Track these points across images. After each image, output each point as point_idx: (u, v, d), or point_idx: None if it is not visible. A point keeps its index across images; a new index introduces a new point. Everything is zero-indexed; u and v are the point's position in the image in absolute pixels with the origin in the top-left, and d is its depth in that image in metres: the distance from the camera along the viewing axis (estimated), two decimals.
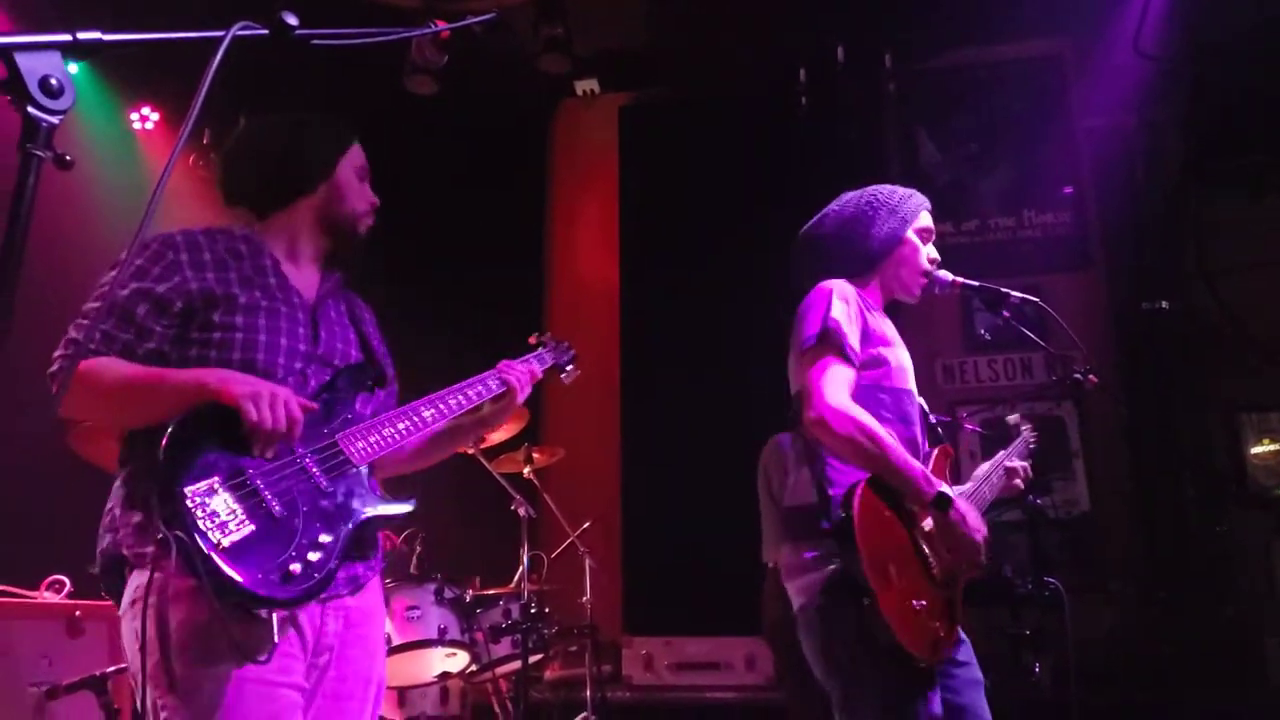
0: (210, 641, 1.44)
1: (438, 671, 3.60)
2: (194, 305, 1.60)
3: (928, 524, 1.92)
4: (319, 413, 1.63)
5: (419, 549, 3.89)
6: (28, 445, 3.18)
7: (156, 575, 1.46)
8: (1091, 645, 4.16)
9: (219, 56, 1.09)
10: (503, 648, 3.70)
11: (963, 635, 1.98)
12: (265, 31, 1.16)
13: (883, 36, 5.36)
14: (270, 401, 1.49)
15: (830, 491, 1.90)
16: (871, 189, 2.20)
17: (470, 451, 3.96)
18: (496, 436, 4.13)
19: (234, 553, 1.41)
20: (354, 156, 1.84)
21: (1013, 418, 2.59)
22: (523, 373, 1.96)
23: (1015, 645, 3.45)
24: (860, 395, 1.93)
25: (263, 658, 1.46)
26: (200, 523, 1.39)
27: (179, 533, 1.37)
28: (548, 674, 4.66)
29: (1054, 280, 5.11)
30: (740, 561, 3.68)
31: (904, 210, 2.15)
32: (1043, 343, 2.46)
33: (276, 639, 1.49)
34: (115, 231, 4.40)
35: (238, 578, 1.40)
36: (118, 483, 1.59)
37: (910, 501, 1.89)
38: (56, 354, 1.56)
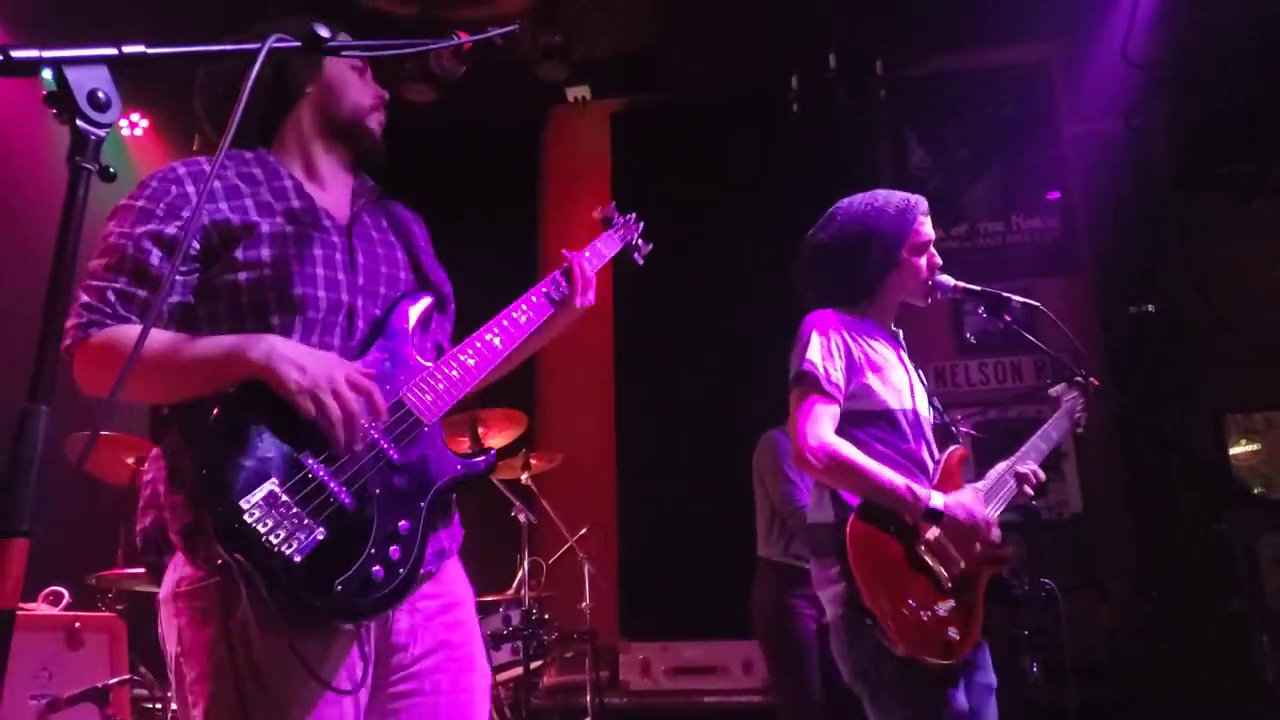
0: (277, 670, 1.26)
1: None
2: (212, 243, 1.40)
3: (931, 534, 1.97)
4: (378, 365, 1.43)
5: None
6: None
7: (222, 577, 1.27)
8: (1087, 645, 4.21)
9: (257, 68, 1.10)
10: (503, 654, 3.70)
11: (983, 641, 2.05)
12: (299, 44, 1.18)
13: (874, 43, 5.40)
14: (330, 387, 1.28)
15: (837, 516, 2.01)
16: (866, 205, 2.25)
17: None
18: (494, 442, 4.15)
19: (307, 569, 1.22)
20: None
21: (1056, 389, 2.50)
22: (584, 271, 1.76)
23: (1013, 645, 3.49)
24: (849, 423, 2.06)
25: (351, 686, 1.31)
26: (264, 539, 1.20)
27: (239, 557, 1.19)
28: (544, 680, 4.66)
29: (1042, 284, 5.16)
30: (736, 565, 3.69)
31: (897, 230, 2.20)
32: (1044, 346, 2.49)
33: (366, 655, 1.34)
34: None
35: (315, 598, 1.22)
36: (156, 455, 1.41)
37: (907, 517, 1.97)
38: (69, 323, 1.34)
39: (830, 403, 2.04)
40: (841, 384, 2.06)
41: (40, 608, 2.88)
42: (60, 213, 0.89)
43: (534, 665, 3.76)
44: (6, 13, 4.22)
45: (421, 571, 1.37)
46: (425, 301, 1.55)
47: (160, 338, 1.34)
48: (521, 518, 3.97)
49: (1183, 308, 5.05)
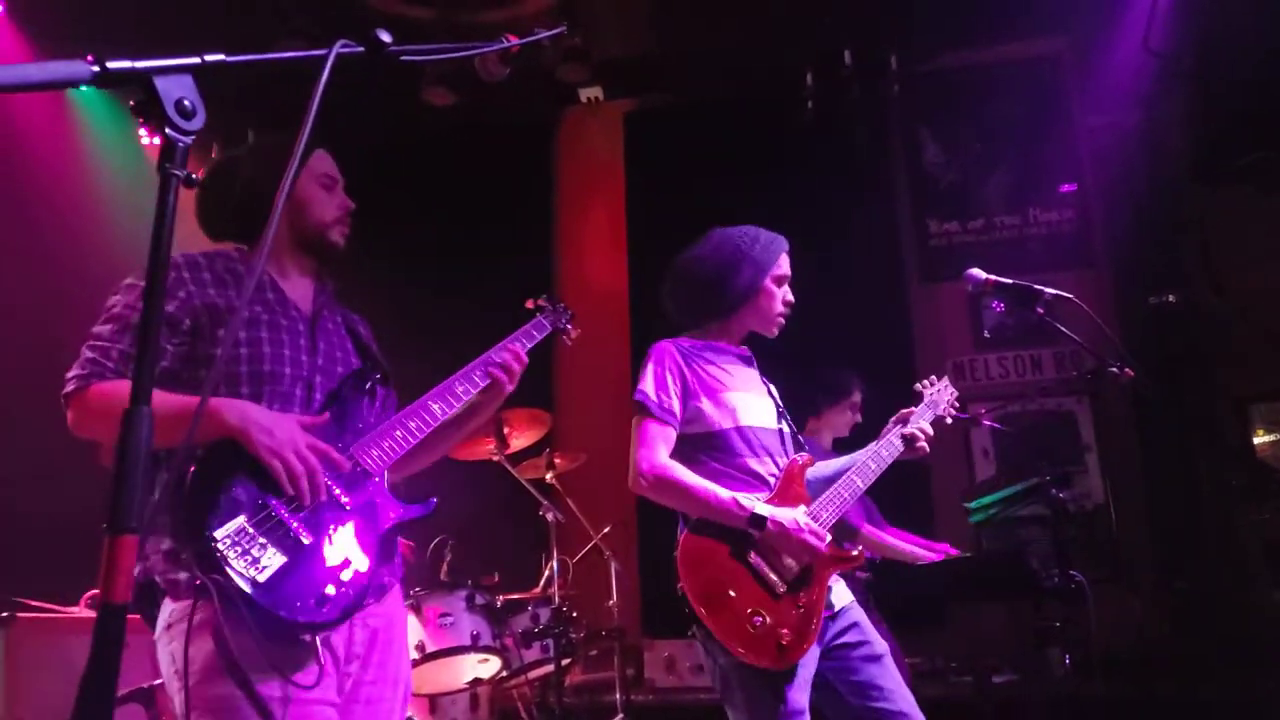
0: (254, 666, 1.47)
1: (469, 678, 3.62)
2: (200, 321, 1.64)
3: (764, 542, 2.07)
4: (331, 426, 1.66)
5: (449, 556, 3.91)
6: (62, 462, 3.18)
7: (196, 602, 1.48)
8: (1115, 637, 4.21)
9: (326, 74, 1.12)
10: (532, 653, 3.72)
11: (855, 619, 2.15)
12: (362, 49, 1.20)
13: (888, 39, 5.41)
14: (293, 449, 1.52)
15: None
16: (738, 235, 2.38)
17: (496, 458, 3.98)
18: (519, 442, 4.17)
19: (270, 587, 1.45)
20: (315, 168, 1.84)
21: (922, 384, 2.52)
22: (508, 362, 1.93)
23: (1041, 637, 3.49)
24: (686, 445, 2.20)
25: (310, 683, 1.50)
26: (234, 563, 1.43)
27: (216, 577, 1.42)
28: (569, 679, 4.67)
29: (1059, 277, 5.13)
30: None
31: (765, 260, 2.34)
32: (1078, 338, 2.50)
33: (321, 660, 1.54)
34: (127, 242, 4.45)
35: (278, 611, 1.45)
36: None
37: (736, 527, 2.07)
38: (71, 374, 1.58)
39: (663, 426, 2.18)
40: (676, 410, 2.20)
41: (84, 611, 2.91)
42: (153, 219, 0.91)
43: (563, 663, 3.78)
44: (23, 18, 4.27)
45: (367, 599, 1.61)
46: (373, 377, 1.82)
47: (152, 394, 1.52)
48: (549, 517, 3.99)
49: (1201, 298, 5.03)
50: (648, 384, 2.22)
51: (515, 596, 3.94)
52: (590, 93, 6.25)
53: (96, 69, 0.87)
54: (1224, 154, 4.80)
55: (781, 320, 2.40)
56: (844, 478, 2.25)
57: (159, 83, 0.93)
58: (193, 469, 1.49)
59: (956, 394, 2.54)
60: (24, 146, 4.39)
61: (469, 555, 4.06)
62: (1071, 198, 5.68)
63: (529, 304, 2.25)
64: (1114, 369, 2.45)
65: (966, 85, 5.86)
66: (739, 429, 2.21)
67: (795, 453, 2.30)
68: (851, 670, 2.09)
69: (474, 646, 3.45)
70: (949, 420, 2.49)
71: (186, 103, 0.95)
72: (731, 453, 2.19)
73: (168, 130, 0.93)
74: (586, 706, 4.55)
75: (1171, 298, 4.86)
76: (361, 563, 1.58)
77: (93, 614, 2.82)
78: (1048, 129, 5.71)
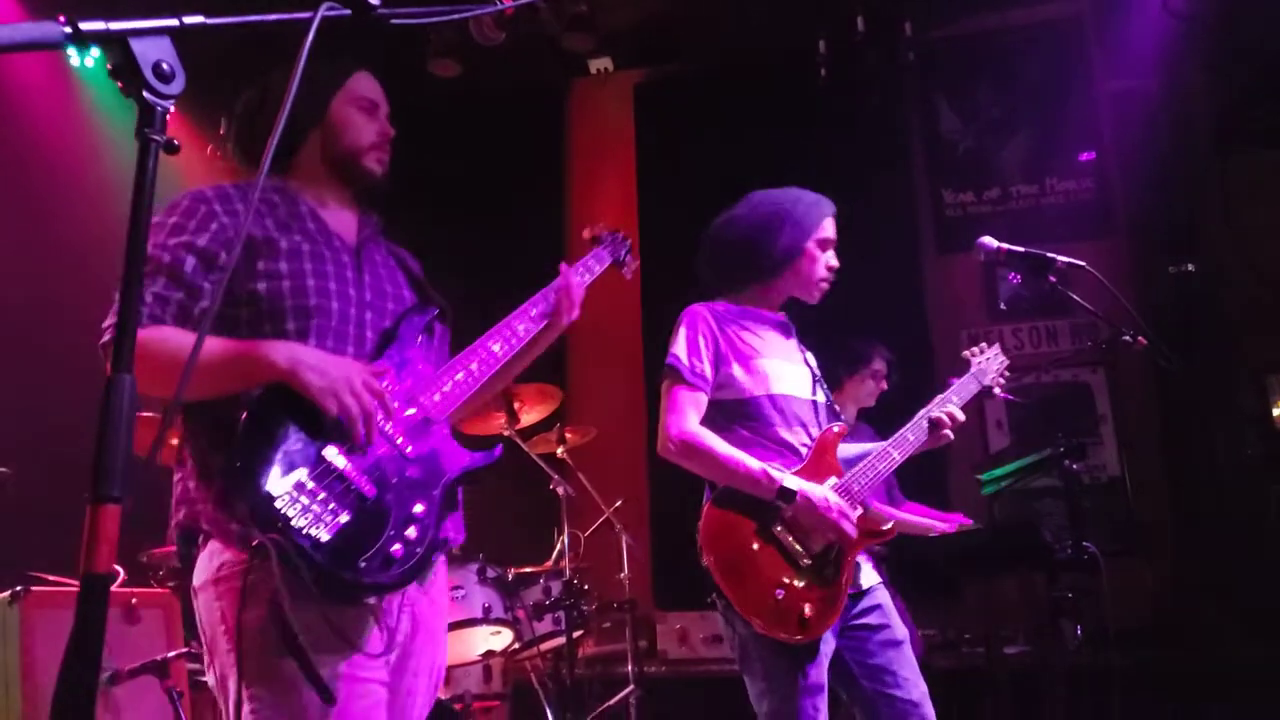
0: (314, 637, 1.36)
1: (482, 650, 3.65)
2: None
3: (789, 513, 2.03)
4: (390, 370, 1.55)
5: None
6: (74, 436, 3.20)
7: (252, 560, 1.37)
8: (1129, 609, 4.18)
9: (311, 37, 1.10)
10: (544, 625, 3.75)
11: (879, 601, 2.12)
12: (349, 12, 1.17)
13: (902, 4, 5.29)
14: (349, 389, 1.41)
15: None
16: (779, 196, 2.30)
17: (506, 433, 3.98)
18: (530, 417, 4.17)
19: (333, 546, 1.35)
20: (354, 90, 1.73)
21: (970, 351, 2.44)
22: (570, 291, 1.85)
23: (1054, 609, 3.47)
24: (718, 412, 2.16)
25: (379, 650, 1.43)
26: (295, 522, 1.33)
27: (275, 537, 1.31)
28: (582, 651, 4.70)
29: (1077, 248, 5.03)
30: None
31: (807, 222, 2.26)
32: (1089, 306, 2.46)
33: (384, 626, 1.46)
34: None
35: (342, 573, 1.35)
36: (185, 453, 1.54)
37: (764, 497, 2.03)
38: (106, 323, 1.46)
39: (694, 391, 2.14)
40: (708, 375, 2.16)
41: None
42: (133, 186, 0.89)
43: (575, 635, 3.80)
44: None
45: (433, 555, 1.50)
46: (431, 313, 1.70)
47: (191, 341, 1.44)
48: (560, 491, 4.00)
49: (1223, 267, 4.94)
50: (680, 348, 2.17)
51: (527, 570, 3.95)
52: (600, 64, 6.18)
53: (69, 30, 0.85)
54: (1247, 117, 4.68)
55: (824, 285, 2.30)
56: (880, 449, 2.19)
57: (135, 45, 0.91)
58: (245, 416, 1.38)
59: (1007, 362, 2.44)
60: (23, 116, 4.39)
61: (480, 529, 4.06)
62: (1090, 166, 5.57)
63: (585, 234, 2.13)
64: (1127, 337, 2.40)
65: (983, 51, 5.73)
66: (771, 397, 2.16)
67: (830, 423, 2.25)
68: (869, 653, 2.07)
69: (486, 619, 3.47)
70: (996, 391, 2.39)
71: (165, 66, 0.93)
72: (763, 421, 2.15)
73: (145, 94, 0.91)
74: (599, 678, 4.58)
75: (1190, 267, 4.77)
76: (427, 517, 1.46)
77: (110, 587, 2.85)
78: (1066, 94, 5.58)
